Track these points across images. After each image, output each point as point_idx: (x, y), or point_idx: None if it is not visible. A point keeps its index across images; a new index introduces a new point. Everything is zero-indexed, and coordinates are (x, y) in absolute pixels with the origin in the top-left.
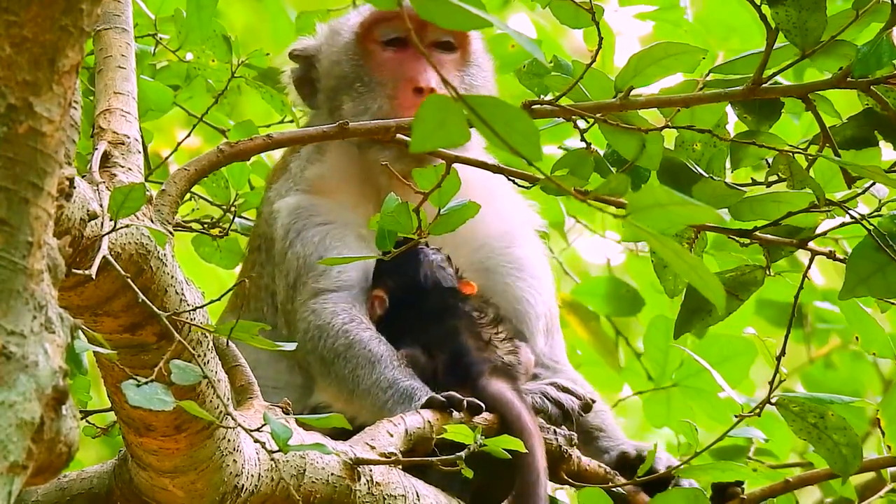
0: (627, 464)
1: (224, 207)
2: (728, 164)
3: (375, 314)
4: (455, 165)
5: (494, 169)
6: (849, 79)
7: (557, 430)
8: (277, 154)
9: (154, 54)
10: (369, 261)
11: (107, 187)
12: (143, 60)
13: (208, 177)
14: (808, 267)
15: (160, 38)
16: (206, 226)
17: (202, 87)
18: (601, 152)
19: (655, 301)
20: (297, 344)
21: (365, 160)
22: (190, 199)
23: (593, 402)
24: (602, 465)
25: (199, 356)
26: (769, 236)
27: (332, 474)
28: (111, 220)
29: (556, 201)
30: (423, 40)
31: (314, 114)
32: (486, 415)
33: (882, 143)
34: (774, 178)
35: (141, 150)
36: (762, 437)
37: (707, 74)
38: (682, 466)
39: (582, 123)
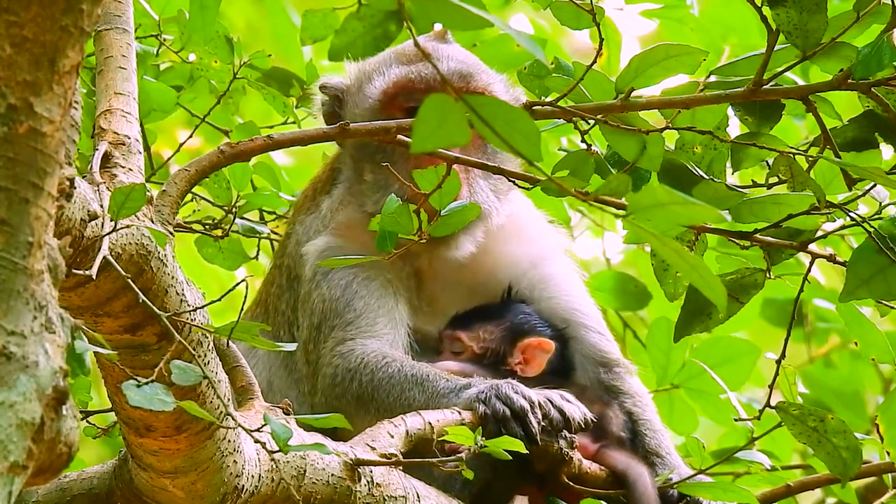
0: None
1: (226, 208)
2: (729, 166)
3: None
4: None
5: (495, 170)
6: (849, 80)
7: (559, 433)
8: (279, 155)
9: (157, 55)
10: (400, 314)
11: (107, 188)
12: (146, 61)
13: (210, 178)
14: (808, 270)
15: (163, 39)
16: (207, 227)
17: (205, 88)
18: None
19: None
20: (321, 390)
21: None
22: (192, 200)
23: (593, 422)
24: (603, 468)
25: (199, 357)
26: (769, 238)
27: (332, 475)
28: (112, 220)
29: (560, 201)
30: None
31: (341, 154)
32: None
33: (883, 145)
34: (775, 179)
35: (141, 150)
36: (767, 463)
37: (709, 75)
38: (687, 482)
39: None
